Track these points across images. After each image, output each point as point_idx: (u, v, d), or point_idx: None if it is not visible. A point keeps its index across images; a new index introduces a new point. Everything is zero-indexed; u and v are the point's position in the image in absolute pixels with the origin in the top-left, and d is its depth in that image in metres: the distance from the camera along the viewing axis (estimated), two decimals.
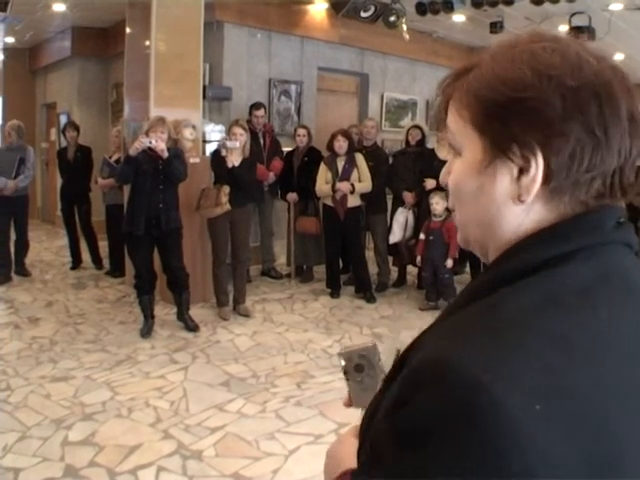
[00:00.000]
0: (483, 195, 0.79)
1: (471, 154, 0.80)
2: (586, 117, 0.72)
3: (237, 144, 6.08)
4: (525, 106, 0.73)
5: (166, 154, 5.38)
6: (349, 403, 1.18)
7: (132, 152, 5.38)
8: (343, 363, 1.16)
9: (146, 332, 5.67)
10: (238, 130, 6.16)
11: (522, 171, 0.75)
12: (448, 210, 6.50)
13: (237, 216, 6.22)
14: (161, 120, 5.58)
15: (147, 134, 5.45)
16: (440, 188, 6.67)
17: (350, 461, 0.95)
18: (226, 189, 6.00)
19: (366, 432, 0.85)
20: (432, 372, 0.65)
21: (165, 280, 5.94)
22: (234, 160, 6.09)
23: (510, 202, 0.77)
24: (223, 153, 6.09)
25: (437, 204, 6.48)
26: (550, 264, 0.73)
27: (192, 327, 5.85)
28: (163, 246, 5.69)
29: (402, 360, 0.84)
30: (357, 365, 1.15)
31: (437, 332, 0.78)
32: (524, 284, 0.72)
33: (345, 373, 1.16)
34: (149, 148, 5.33)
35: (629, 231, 0.79)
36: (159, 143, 5.35)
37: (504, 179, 0.77)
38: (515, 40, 0.80)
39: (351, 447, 0.98)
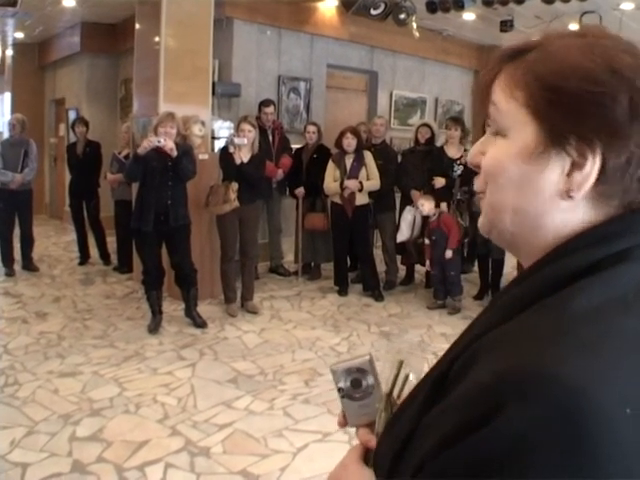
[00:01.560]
0: (528, 184, 0.76)
1: (521, 138, 0.76)
2: None
3: (245, 141, 6.07)
4: (596, 101, 0.70)
5: (175, 153, 5.36)
6: (344, 422, 1.06)
7: (141, 151, 5.36)
8: (338, 379, 1.04)
9: (154, 328, 5.67)
10: (247, 126, 6.15)
11: (574, 166, 0.72)
12: (437, 207, 6.51)
13: (246, 213, 6.21)
14: (170, 115, 5.57)
15: (156, 129, 5.45)
16: (448, 188, 6.68)
17: None
18: (234, 186, 5.99)
19: (401, 460, 0.76)
20: (521, 384, 0.61)
21: (173, 276, 5.94)
22: (243, 157, 6.08)
23: (557, 196, 0.74)
24: (231, 150, 6.07)
25: (422, 205, 6.48)
26: (606, 263, 0.70)
27: (200, 323, 5.85)
28: (171, 242, 5.68)
29: (443, 376, 0.75)
30: (354, 380, 1.03)
31: (499, 340, 0.70)
32: (586, 284, 0.69)
33: (340, 390, 1.04)
34: (158, 147, 5.33)
35: None
36: (168, 142, 5.32)
37: (554, 171, 0.73)
38: (580, 31, 0.78)
39: (357, 474, 0.94)
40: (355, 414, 1.04)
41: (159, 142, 5.29)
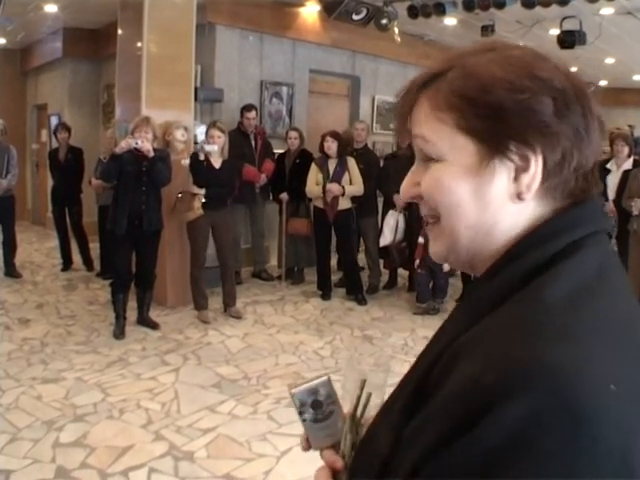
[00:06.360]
0: (479, 198, 0.78)
1: (461, 158, 0.79)
2: (573, 117, 0.76)
3: (215, 147, 6.11)
4: (524, 107, 0.74)
5: (152, 153, 5.48)
6: (308, 446, 1.05)
7: (118, 150, 5.50)
8: (298, 402, 1.03)
9: (120, 333, 5.68)
10: (216, 132, 6.19)
11: (519, 170, 0.76)
12: None
13: (217, 219, 6.25)
14: (145, 120, 5.66)
15: (132, 134, 5.55)
16: None
17: None
18: (201, 196, 6.02)
19: (386, 474, 0.75)
20: (509, 379, 0.62)
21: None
22: (214, 163, 6.12)
23: (508, 202, 0.78)
24: (201, 157, 6.11)
25: None
26: (565, 254, 0.74)
27: (153, 325, 5.96)
28: (142, 246, 5.76)
29: (422, 383, 0.75)
30: (314, 402, 1.02)
31: (479, 339, 0.70)
32: (553, 275, 0.72)
33: (300, 413, 1.03)
34: (135, 149, 5.41)
35: (609, 219, 0.84)
36: (145, 144, 5.44)
37: (502, 179, 0.77)
38: (487, 45, 0.82)
39: None
40: (318, 436, 1.04)
41: (137, 143, 5.40)
